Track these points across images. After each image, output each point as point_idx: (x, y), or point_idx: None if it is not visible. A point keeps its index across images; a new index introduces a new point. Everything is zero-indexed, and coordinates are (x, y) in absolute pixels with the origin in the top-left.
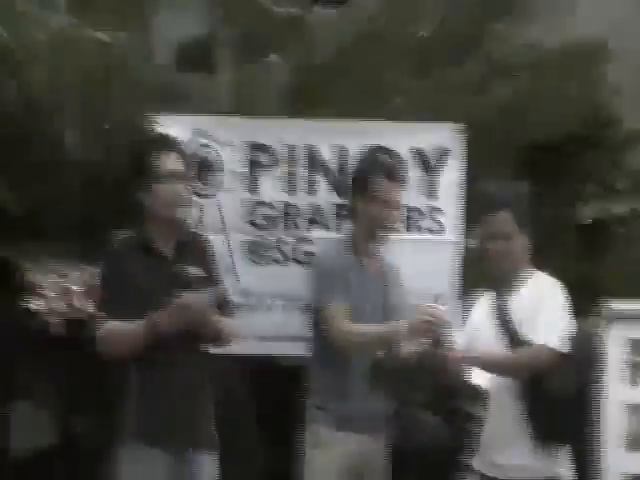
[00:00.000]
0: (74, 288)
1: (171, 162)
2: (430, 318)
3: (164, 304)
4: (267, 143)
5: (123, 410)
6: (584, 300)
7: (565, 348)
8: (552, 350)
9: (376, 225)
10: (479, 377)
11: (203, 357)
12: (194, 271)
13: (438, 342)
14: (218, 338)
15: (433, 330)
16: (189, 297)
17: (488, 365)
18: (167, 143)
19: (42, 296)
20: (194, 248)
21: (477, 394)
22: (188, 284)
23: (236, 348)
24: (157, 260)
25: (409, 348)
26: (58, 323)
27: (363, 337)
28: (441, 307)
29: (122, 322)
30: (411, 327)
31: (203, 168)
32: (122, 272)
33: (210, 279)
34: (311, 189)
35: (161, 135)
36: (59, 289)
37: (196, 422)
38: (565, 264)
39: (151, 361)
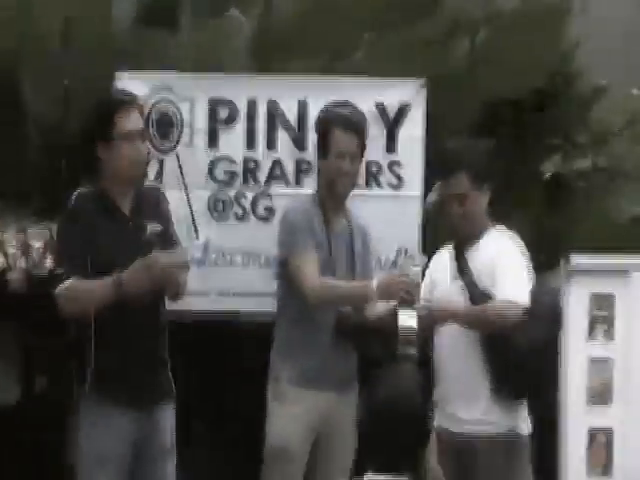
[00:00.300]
0: (34, 244)
1: (133, 120)
2: (401, 284)
3: (127, 262)
4: (227, 98)
5: (83, 367)
6: (546, 255)
7: (528, 302)
8: (518, 305)
9: (335, 179)
10: (407, 319)
11: (161, 311)
12: (152, 227)
13: (406, 303)
14: (178, 295)
15: (403, 293)
16: (157, 256)
17: (458, 318)
18: (128, 100)
19: (3, 253)
20: (151, 203)
21: (412, 337)
22: (146, 239)
23: (197, 304)
24: (116, 216)
25: (376, 309)
26: (18, 279)
27: (333, 292)
28: (413, 269)
29: (85, 280)
30: (381, 288)
31: (163, 123)
32: (81, 228)
33: (167, 234)
34: (271, 144)
35: (122, 92)
36: (19, 245)
37: (158, 379)
38: (527, 219)
39: (113, 318)
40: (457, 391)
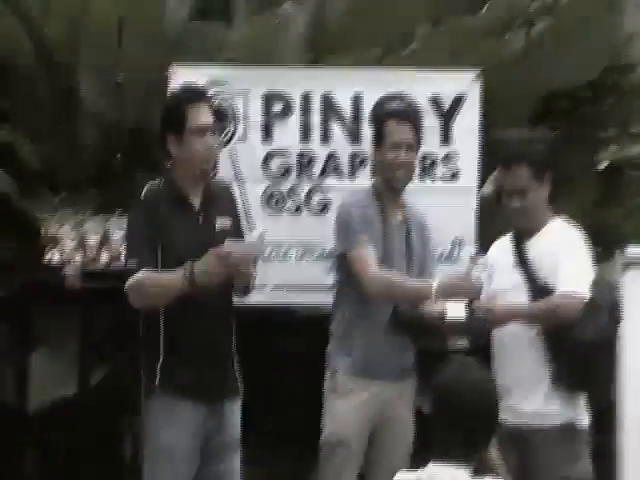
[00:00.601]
0: (91, 239)
1: (204, 114)
2: (463, 287)
3: (196, 256)
4: (282, 91)
5: (152, 362)
6: (603, 246)
7: (589, 295)
8: (580, 298)
9: (391, 170)
10: (455, 310)
11: (231, 306)
12: (221, 222)
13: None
14: (248, 288)
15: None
16: (230, 245)
17: (519, 318)
18: (200, 95)
19: (60, 247)
20: (221, 199)
21: (459, 328)
22: (215, 234)
23: (253, 298)
24: (187, 210)
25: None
26: (75, 275)
27: (393, 288)
28: (476, 271)
29: (157, 272)
30: (442, 290)
31: (218, 117)
32: (152, 221)
33: (236, 230)
34: (326, 137)
35: (194, 87)
36: (76, 240)
37: (227, 374)
38: (584, 209)
39: (183, 312)
40: (517, 383)
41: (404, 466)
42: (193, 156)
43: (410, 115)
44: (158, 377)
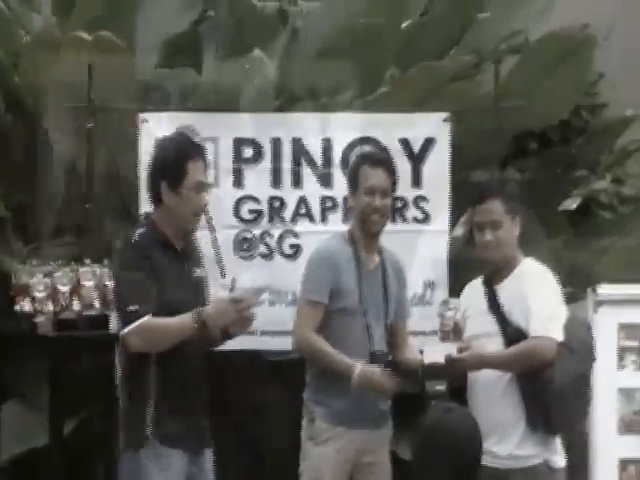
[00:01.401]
0: (62, 287)
1: (202, 172)
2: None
3: (186, 302)
4: (252, 137)
5: (141, 410)
6: (574, 286)
7: (562, 337)
8: (554, 340)
9: (366, 215)
10: (433, 355)
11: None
12: (199, 272)
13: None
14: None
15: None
16: (243, 292)
17: (492, 365)
18: (200, 151)
19: (30, 297)
20: (193, 247)
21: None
22: (197, 281)
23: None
24: (175, 257)
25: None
26: (47, 323)
27: (317, 355)
28: (448, 313)
29: (160, 318)
30: (361, 380)
31: None
32: (149, 266)
33: (207, 279)
34: (297, 182)
35: (195, 142)
36: (47, 289)
37: (205, 422)
38: (554, 250)
39: (174, 359)
40: (492, 426)
41: None
42: (188, 211)
43: (384, 160)
44: (150, 426)
